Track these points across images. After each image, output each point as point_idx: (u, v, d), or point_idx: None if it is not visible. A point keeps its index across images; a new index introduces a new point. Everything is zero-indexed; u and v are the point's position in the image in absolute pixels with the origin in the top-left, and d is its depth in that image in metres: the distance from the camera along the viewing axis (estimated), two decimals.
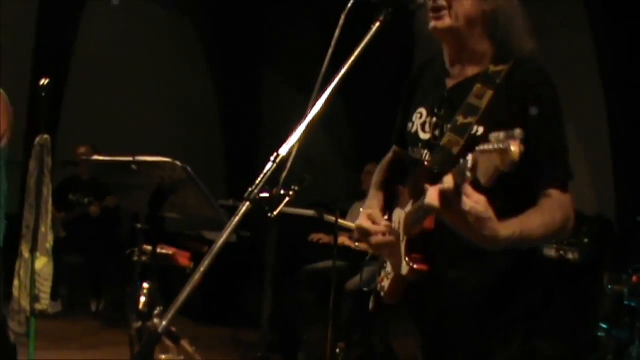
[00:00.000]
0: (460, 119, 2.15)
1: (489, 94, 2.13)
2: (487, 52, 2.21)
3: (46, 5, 9.03)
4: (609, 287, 5.28)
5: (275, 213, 1.72)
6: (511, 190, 1.97)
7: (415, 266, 2.12)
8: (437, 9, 2.16)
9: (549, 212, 2.06)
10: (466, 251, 2.11)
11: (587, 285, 5.48)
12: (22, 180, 7.57)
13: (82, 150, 7.86)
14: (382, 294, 2.38)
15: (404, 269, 2.15)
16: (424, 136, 2.29)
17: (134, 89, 9.87)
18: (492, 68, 2.18)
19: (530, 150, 1.99)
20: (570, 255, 5.44)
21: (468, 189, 1.79)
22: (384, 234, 2.25)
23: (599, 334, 5.25)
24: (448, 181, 1.82)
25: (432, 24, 2.18)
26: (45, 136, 4.33)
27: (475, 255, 2.11)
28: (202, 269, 1.56)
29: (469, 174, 1.72)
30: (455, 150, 2.12)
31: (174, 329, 1.53)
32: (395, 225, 2.28)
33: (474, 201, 1.81)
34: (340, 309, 5.23)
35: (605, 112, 6.58)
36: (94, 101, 9.42)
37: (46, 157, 4.30)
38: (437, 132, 2.24)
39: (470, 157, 1.72)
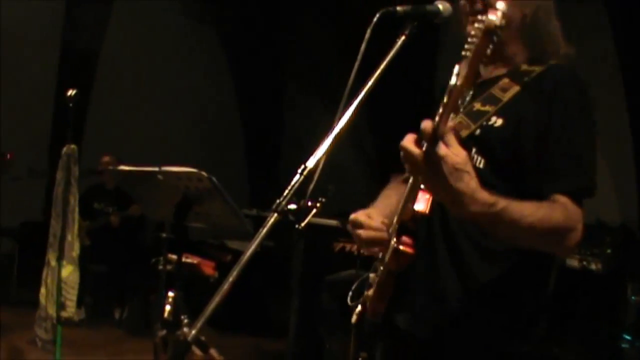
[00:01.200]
0: (477, 106, 2.07)
1: (515, 89, 2.05)
2: (522, 54, 2.15)
3: (71, 16, 9.13)
4: (633, 297, 5.24)
5: (303, 224, 1.74)
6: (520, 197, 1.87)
7: (400, 247, 1.94)
8: (475, 13, 2.08)
9: (547, 208, 1.88)
10: (463, 251, 2.04)
11: (610, 296, 5.44)
12: (48, 189, 7.68)
13: (106, 159, 7.93)
14: (367, 304, 2.22)
15: (388, 254, 2.01)
16: None
17: (157, 99, 9.94)
18: (524, 67, 2.11)
19: (547, 155, 1.97)
20: (593, 266, 5.41)
21: (451, 138, 1.67)
22: (376, 229, 2.14)
23: (623, 345, 5.21)
24: (426, 123, 1.66)
25: (469, 27, 2.08)
26: (73, 146, 4.38)
27: (475, 252, 2.05)
28: (231, 279, 1.58)
29: (454, 80, 1.59)
30: (464, 134, 2.01)
31: (202, 338, 1.54)
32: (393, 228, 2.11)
33: (453, 152, 1.67)
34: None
35: (627, 122, 6.56)
36: (118, 111, 9.51)
37: (73, 167, 4.35)
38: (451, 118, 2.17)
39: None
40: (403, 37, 2.02)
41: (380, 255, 2.12)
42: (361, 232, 2.16)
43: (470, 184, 1.71)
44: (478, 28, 1.56)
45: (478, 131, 2.05)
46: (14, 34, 8.77)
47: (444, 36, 7.60)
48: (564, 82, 2.03)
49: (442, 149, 1.65)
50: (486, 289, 2.05)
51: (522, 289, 2.07)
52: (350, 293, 2.35)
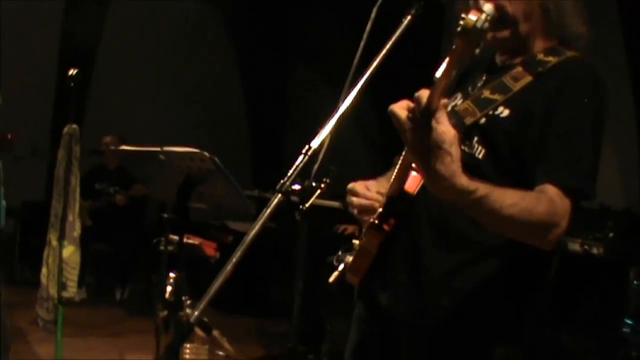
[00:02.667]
0: (485, 93, 2.01)
1: (527, 79, 1.99)
2: (539, 44, 2.09)
3: None
4: (635, 282, 5.23)
5: (307, 205, 1.72)
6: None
7: (376, 222, 1.92)
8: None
9: (532, 199, 1.80)
10: (452, 235, 2.00)
11: (613, 280, 5.43)
12: (49, 170, 7.67)
13: (108, 139, 7.93)
14: (347, 267, 2.23)
15: (364, 228, 1.98)
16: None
17: (160, 79, 9.91)
18: (540, 56, 2.04)
19: (546, 145, 1.91)
20: (595, 250, 5.39)
21: (442, 115, 1.59)
22: (369, 199, 2.12)
23: (625, 330, 5.21)
24: (422, 93, 1.58)
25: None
26: (74, 126, 4.36)
27: (459, 246, 2.00)
28: (234, 260, 1.56)
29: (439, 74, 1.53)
30: (468, 121, 1.97)
31: (205, 319, 1.53)
32: None
33: (441, 130, 1.58)
34: None
35: (633, 106, 6.53)
36: (120, 91, 9.48)
37: (74, 147, 4.33)
38: (459, 103, 2.10)
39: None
40: (409, 17, 2.00)
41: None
42: (354, 199, 2.16)
43: (450, 166, 1.61)
44: (458, 26, 1.48)
45: (483, 120, 2.00)
46: (15, 12, 8.74)
47: (449, 15, 7.56)
48: (577, 77, 1.97)
49: (429, 123, 1.58)
50: (470, 279, 2.01)
51: (512, 274, 2.02)
52: (338, 253, 2.34)
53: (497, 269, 2.00)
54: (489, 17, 1.45)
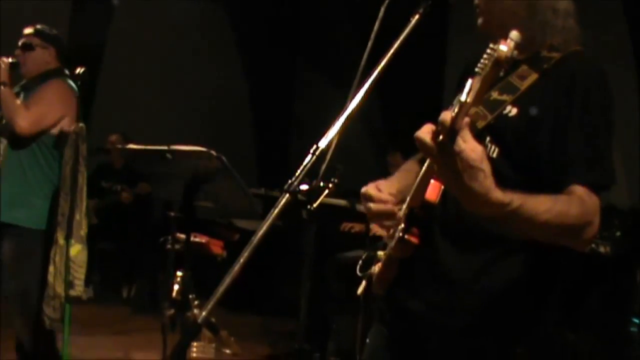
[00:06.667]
0: (494, 94, 2.01)
1: (533, 76, 2.00)
2: (542, 41, 2.09)
3: None
4: None
5: (315, 205, 1.72)
6: (534, 188, 1.83)
7: (405, 236, 1.92)
8: (475, 7, 2.08)
9: (564, 202, 1.84)
10: (473, 236, 2.00)
11: (620, 279, 5.43)
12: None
13: (113, 138, 7.94)
14: (372, 279, 2.23)
15: (393, 241, 2.00)
16: None
17: (166, 78, 9.91)
18: (544, 53, 2.06)
19: (564, 146, 1.92)
20: (602, 249, 5.38)
21: (466, 133, 1.59)
22: (385, 202, 2.12)
23: (632, 329, 5.20)
24: (445, 116, 1.58)
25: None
26: (81, 124, 4.36)
27: (479, 245, 2.01)
28: (242, 260, 1.57)
29: (465, 97, 1.54)
30: (480, 125, 1.98)
31: (213, 320, 1.53)
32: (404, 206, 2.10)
33: (469, 148, 1.59)
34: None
35: (637, 104, 6.52)
36: (126, 89, 9.48)
37: (81, 145, 4.33)
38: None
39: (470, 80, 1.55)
40: (417, 17, 2.00)
41: (390, 232, 2.11)
42: (371, 205, 2.15)
43: (484, 183, 1.64)
44: (489, 55, 1.52)
45: (493, 120, 2.00)
46: (22, 12, 8.76)
47: (454, 15, 7.57)
48: (584, 71, 1.99)
49: (458, 144, 1.59)
50: (494, 279, 2.02)
51: (534, 277, 2.04)
52: (360, 262, 2.35)
53: (520, 266, 2.02)
54: (516, 44, 1.50)
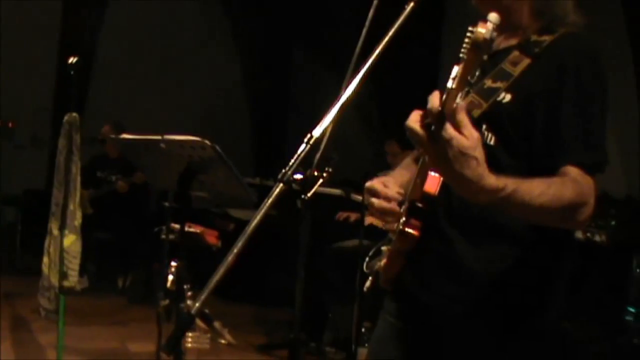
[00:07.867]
0: (488, 82, 2.00)
1: (525, 62, 1.99)
2: (532, 24, 2.08)
3: None
4: (638, 270, 5.24)
5: (309, 195, 1.71)
6: (532, 174, 1.83)
7: (406, 229, 1.92)
8: None
9: (558, 184, 1.83)
10: (480, 223, 2.00)
11: (615, 268, 5.43)
12: (50, 158, 7.67)
13: (107, 128, 7.91)
14: (379, 274, 2.23)
15: (395, 235, 2.00)
16: None
17: (161, 67, 9.89)
18: (534, 37, 2.04)
19: (557, 126, 1.92)
20: (597, 238, 5.38)
21: (464, 119, 1.57)
22: (390, 200, 2.11)
23: (627, 317, 5.21)
24: (433, 100, 1.57)
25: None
26: (74, 114, 4.34)
27: (487, 233, 2.00)
28: (235, 250, 1.55)
29: (450, 84, 1.53)
30: (476, 114, 1.95)
31: (206, 311, 1.52)
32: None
33: (464, 135, 1.57)
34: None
35: (635, 93, 6.51)
36: (121, 79, 9.47)
37: (75, 135, 4.31)
38: (461, 95, 2.13)
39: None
40: (412, 4, 1.98)
41: (395, 226, 2.10)
42: (374, 200, 2.14)
43: (477, 170, 1.61)
44: (469, 38, 1.51)
45: (488, 108, 1.99)
46: (16, 0, 8.72)
47: (450, 3, 7.55)
48: (575, 50, 1.98)
49: (448, 132, 1.56)
50: (505, 266, 2.02)
51: (540, 264, 2.03)
52: (367, 259, 2.36)
53: (526, 253, 2.02)
54: (495, 26, 1.50)
